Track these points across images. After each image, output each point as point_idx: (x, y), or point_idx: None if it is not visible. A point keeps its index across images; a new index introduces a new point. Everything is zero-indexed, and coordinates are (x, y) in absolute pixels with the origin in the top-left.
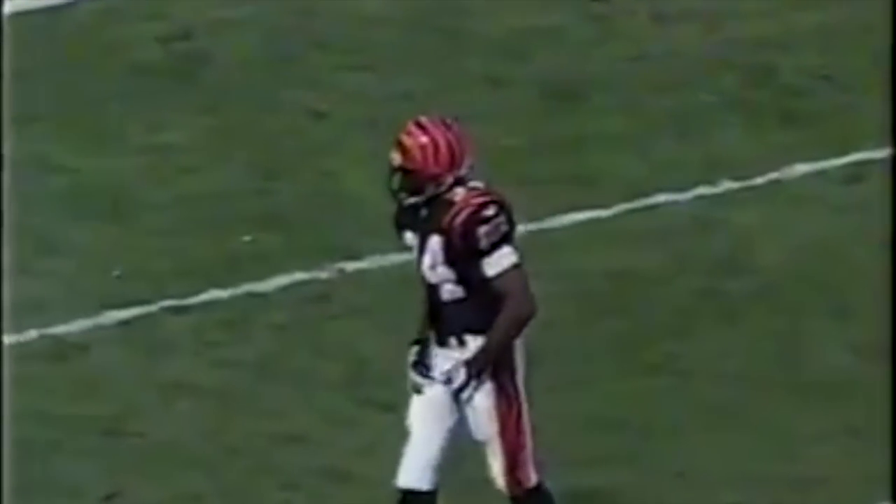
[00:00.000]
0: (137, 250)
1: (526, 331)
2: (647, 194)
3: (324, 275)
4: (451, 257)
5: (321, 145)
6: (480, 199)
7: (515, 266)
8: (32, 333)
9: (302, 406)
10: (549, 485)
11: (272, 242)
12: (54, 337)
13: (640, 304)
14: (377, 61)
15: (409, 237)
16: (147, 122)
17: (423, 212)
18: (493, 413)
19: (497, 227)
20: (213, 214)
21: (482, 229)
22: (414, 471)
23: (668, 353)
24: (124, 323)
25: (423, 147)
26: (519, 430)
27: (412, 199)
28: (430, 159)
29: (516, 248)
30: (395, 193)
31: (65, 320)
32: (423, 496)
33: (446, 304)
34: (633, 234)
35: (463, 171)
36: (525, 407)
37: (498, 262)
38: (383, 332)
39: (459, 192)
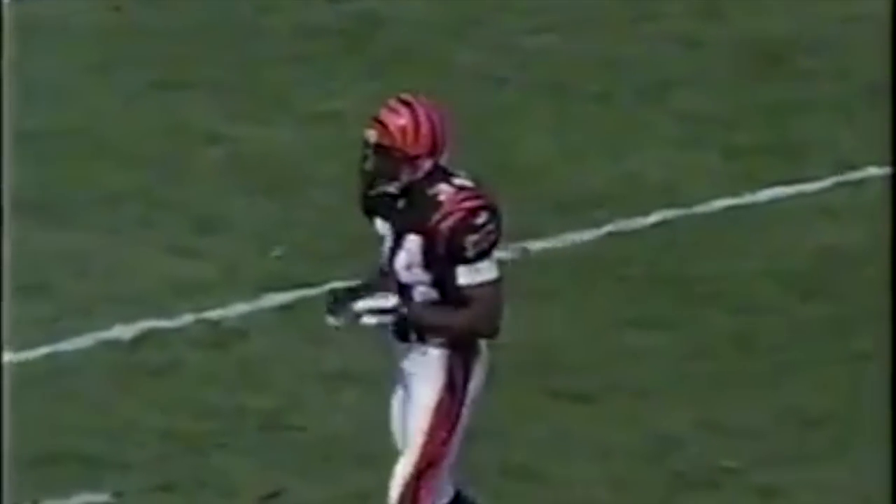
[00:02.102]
0: (301, 228)
1: (491, 345)
2: (857, 167)
3: (504, 255)
4: (430, 261)
5: (501, 112)
6: (471, 204)
7: (491, 282)
8: (187, 318)
9: (482, 397)
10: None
11: None
12: (211, 322)
13: (850, 287)
14: (562, 22)
15: (380, 226)
16: (313, 89)
17: (401, 203)
18: (430, 409)
19: (487, 235)
20: None
21: (471, 238)
22: None
23: (880, 339)
24: (286, 307)
25: (402, 124)
26: (446, 441)
27: (388, 187)
28: (410, 139)
29: (496, 260)
30: (367, 175)
31: (222, 304)
32: None
33: (413, 301)
34: (841, 210)
35: (443, 159)
36: (463, 421)
37: (476, 273)
38: (571, 318)
39: (445, 191)
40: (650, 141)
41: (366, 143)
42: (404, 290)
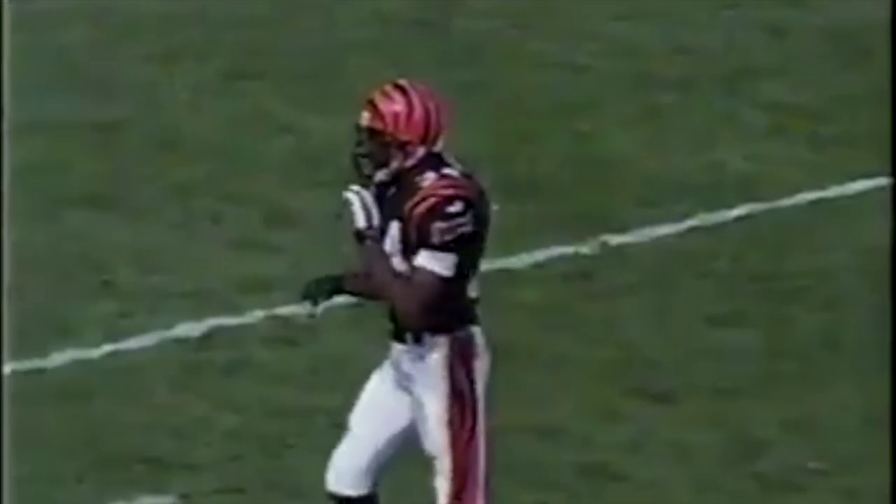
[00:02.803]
0: None
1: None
2: None
3: (584, 249)
4: (406, 248)
5: (581, 103)
6: (448, 192)
7: (440, 276)
8: (257, 314)
9: (559, 396)
10: None
11: (525, 212)
12: (281, 319)
13: None
14: (642, 9)
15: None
16: (386, 77)
17: (391, 191)
18: (443, 421)
19: (456, 227)
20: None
21: (438, 225)
22: (346, 475)
23: None
24: (359, 303)
25: (395, 110)
26: (471, 445)
27: (379, 174)
28: (402, 124)
29: (463, 259)
30: (359, 159)
31: (293, 300)
32: (355, 501)
33: None
34: None
35: (437, 148)
36: (482, 420)
37: (431, 260)
38: (651, 314)
39: (429, 178)
40: (734, 132)
41: (358, 127)
42: None
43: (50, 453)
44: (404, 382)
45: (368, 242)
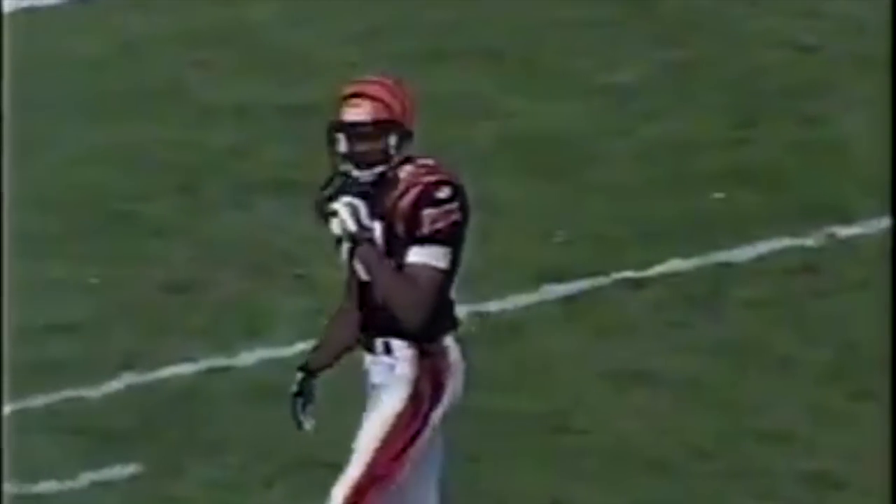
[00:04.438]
0: (584, 212)
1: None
2: None
3: (810, 241)
4: (391, 247)
5: (808, 85)
6: (433, 178)
7: (437, 269)
8: (459, 311)
9: (783, 399)
10: None
11: (747, 202)
12: (484, 316)
13: None
14: None
15: (336, 226)
16: (597, 58)
17: (370, 191)
18: (387, 421)
19: (447, 213)
20: (677, 168)
21: (429, 212)
22: None
23: None
24: (569, 299)
25: (398, 98)
26: (394, 462)
27: (367, 174)
28: (409, 112)
29: (455, 251)
30: (340, 160)
31: (498, 296)
32: None
33: (379, 305)
34: None
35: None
36: (421, 444)
37: (425, 255)
38: (881, 311)
39: (407, 169)
40: None
41: (351, 125)
42: (364, 288)
43: (237, 457)
44: (373, 394)
45: (365, 246)
